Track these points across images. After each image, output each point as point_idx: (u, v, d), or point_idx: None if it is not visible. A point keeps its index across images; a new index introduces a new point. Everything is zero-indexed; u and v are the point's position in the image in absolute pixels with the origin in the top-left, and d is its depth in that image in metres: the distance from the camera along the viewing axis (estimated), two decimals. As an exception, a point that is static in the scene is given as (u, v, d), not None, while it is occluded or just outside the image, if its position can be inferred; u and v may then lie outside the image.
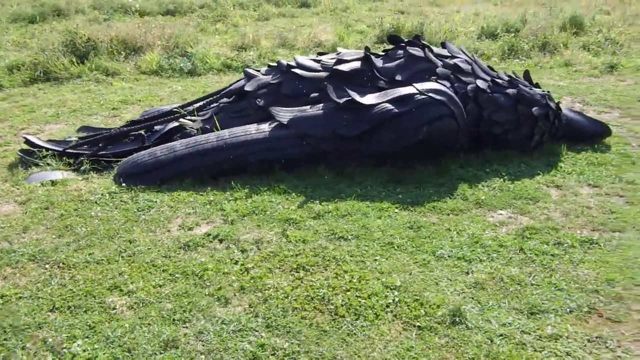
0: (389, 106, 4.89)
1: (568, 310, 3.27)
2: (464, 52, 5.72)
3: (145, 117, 5.89)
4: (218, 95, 5.66)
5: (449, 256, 3.81)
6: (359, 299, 3.35)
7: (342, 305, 3.29)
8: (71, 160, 5.30)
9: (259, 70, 5.70)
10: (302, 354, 2.94)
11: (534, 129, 5.43)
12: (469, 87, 5.24)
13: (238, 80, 5.87)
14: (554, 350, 2.97)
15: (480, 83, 5.28)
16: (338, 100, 4.97)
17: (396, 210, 4.44)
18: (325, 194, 4.67)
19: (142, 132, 5.55)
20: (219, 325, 3.15)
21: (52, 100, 7.57)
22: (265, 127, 5.02)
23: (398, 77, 5.26)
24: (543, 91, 5.65)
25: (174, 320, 3.20)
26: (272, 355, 2.93)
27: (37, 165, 5.28)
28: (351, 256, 3.81)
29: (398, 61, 5.41)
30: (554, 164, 5.29)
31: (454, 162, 5.22)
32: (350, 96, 4.96)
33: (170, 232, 4.16)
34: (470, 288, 3.47)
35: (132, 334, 3.08)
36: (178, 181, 4.88)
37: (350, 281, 3.52)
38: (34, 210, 4.50)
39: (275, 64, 5.65)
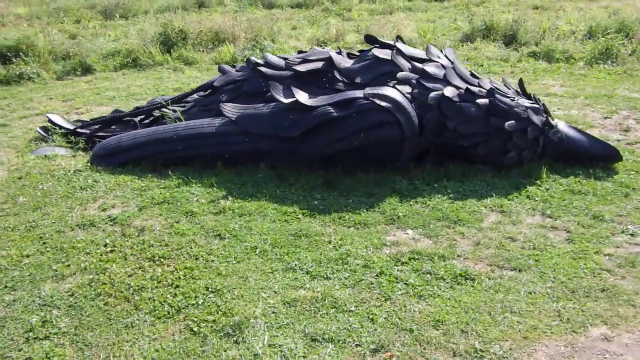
0: (330, 109, 4.76)
1: (354, 343, 3.02)
2: (445, 56, 5.29)
3: (149, 105, 6.38)
4: (197, 89, 5.92)
5: (298, 269, 3.68)
6: (166, 295, 3.42)
7: (146, 299, 3.40)
8: (75, 139, 5.95)
9: (234, 66, 5.84)
10: (72, 335, 3.12)
11: (507, 144, 4.87)
12: (432, 94, 4.85)
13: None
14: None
15: (448, 91, 4.86)
16: (283, 100, 4.95)
17: (298, 216, 4.35)
18: (246, 192, 4.71)
19: (135, 119, 6.03)
20: (35, 298, 3.45)
21: (122, 85, 8.46)
22: (217, 122, 5.17)
23: (358, 80, 5.07)
24: (534, 103, 5.02)
25: (6, 287, 3.58)
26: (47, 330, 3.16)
27: (45, 141, 6.04)
28: (208, 254, 3.86)
29: (363, 63, 5.19)
30: (522, 187, 4.71)
31: (402, 172, 4.91)
32: (295, 97, 4.92)
33: (85, 210, 4.55)
34: (279, 305, 3.34)
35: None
36: (136, 165, 5.24)
37: (178, 277, 3.60)
38: (9, 178, 5.20)
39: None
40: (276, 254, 3.85)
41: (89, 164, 5.35)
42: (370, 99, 4.69)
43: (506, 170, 4.93)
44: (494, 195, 4.58)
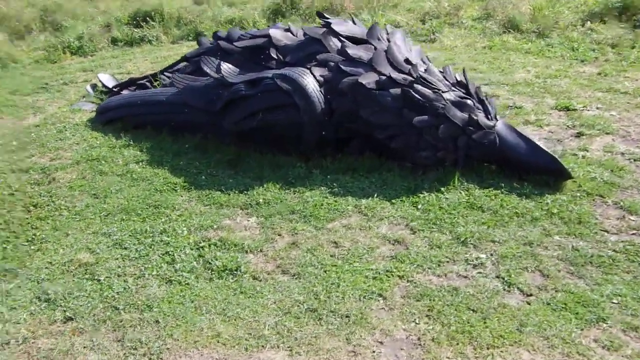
0: (241, 87, 4.74)
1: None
2: (388, 39, 4.78)
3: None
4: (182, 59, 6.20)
5: (118, 234, 3.88)
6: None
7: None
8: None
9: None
10: None
11: (419, 141, 4.33)
12: (346, 79, 4.50)
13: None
14: None
15: (364, 77, 4.46)
16: (214, 75, 5.04)
17: (175, 188, 4.48)
18: (160, 160, 4.92)
19: (147, 82, 6.58)
20: None
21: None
22: (171, 91, 5.47)
23: (288, 59, 4.91)
24: (467, 98, 4.34)
25: None
26: None
27: (89, 97, 6.94)
28: (73, 207, 4.26)
29: (299, 42, 4.98)
30: (418, 191, 4.18)
31: (310, 159, 4.67)
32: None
33: (40, 158, 5.24)
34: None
35: None
36: (125, 126, 5.76)
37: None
38: (33, 122, 6.14)
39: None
40: (116, 218, 4.07)
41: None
42: (275, 79, 4.54)
43: (424, 170, 4.39)
44: (379, 196, 4.15)
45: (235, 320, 3.00)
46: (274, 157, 4.75)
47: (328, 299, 3.12)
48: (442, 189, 4.16)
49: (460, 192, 4.11)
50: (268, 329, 2.91)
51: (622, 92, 5.77)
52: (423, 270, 3.34)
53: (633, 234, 3.55)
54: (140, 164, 4.88)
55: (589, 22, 8.38)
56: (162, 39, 9.95)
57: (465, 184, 4.18)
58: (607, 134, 4.88)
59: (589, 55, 7.14)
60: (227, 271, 3.42)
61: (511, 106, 5.60)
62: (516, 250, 3.44)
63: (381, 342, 2.81)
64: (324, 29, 4.86)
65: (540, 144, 4.19)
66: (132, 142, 5.29)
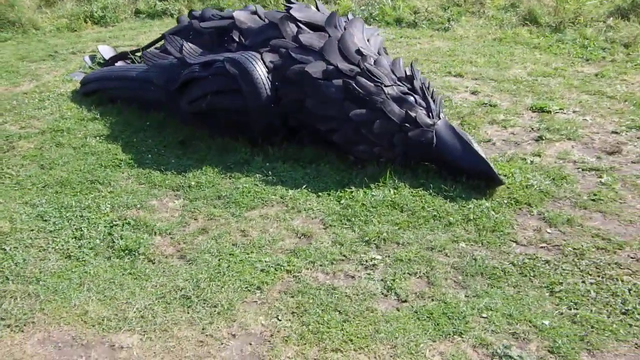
0: (196, 68, 4.77)
1: None
2: (343, 27, 4.68)
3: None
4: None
5: (46, 205, 4.02)
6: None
7: None
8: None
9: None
10: None
11: (356, 135, 4.26)
12: (294, 67, 4.45)
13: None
14: None
15: (311, 66, 4.40)
16: (177, 55, 5.09)
17: (119, 165, 4.57)
18: (120, 135, 5.04)
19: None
20: None
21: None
22: (142, 68, 5.56)
23: (247, 42, 4.90)
24: (410, 92, 4.22)
25: None
26: None
27: (86, 67, 7.15)
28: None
29: (261, 26, 4.95)
30: (346, 185, 4.13)
31: (261, 146, 4.66)
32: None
33: (3, 125, 5.43)
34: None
35: None
36: (94, 96, 5.95)
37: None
38: (24, 90, 6.38)
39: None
40: (51, 190, 4.21)
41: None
42: (225, 63, 4.54)
43: (363, 164, 4.32)
44: (308, 188, 4.13)
45: (109, 300, 3.07)
46: (222, 140, 4.77)
47: (207, 288, 3.14)
48: (372, 185, 4.08)
49: (389, 190, 4.02)
50: (134, 312, 2.97)
51: (608, 96, 5.47)
52: (314, 267, 3.31)
53: (541, 247, 3.40)
54: (98, 138, 5.00)
55: (611, 18, 7.93)
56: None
57: (397, 181, 4.09)
58: (570, 139, 4.65)
59: (597, 55, 6.79)
60: (126, 251, 3.49)
61: (485, 104, 5.40)
62: (414, 255, 3.35)
63: (234, 335, 2.81)
64: (282, 14, 4.80)
65: (476, 147, 4.03)
66: (99, 116, 5.43)
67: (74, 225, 3.77)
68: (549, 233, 3.51)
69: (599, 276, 3.13)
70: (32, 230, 3.73)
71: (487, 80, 6.02)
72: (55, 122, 5.38)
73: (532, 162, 4.32)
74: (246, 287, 3.14)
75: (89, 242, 3.58)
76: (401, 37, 8.01)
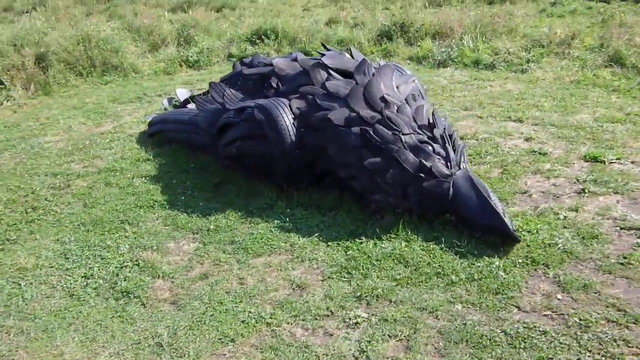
0: (231, 114, 4.92)
1: None
2: (373, 73, 4.61)
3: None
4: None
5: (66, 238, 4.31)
6: None
7: None
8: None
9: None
10: None
11: (372, 184, 4.16)
12: (318, 114, 4.46)
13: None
14: None
15: (334, 113, 4.38)
16: (220, 100, 5.28)
17: (143, 204, 4.76)
18: (157, 175, 5.28)
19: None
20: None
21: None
22: (195, 112, 5.81)
23: (283, 89, 4.98)
24: (432, 141, 4.07)
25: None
26: None
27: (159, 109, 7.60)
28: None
29: (297, 72, 5.01)
30: (354, 235, 4.02)
31: (287, 192, 4.68)
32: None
33: (70, 163, 5.87)
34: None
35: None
36: (156, 138, 6.30)
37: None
38: (103, 130, 6.87)
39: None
40: (84, 229, 4.49)
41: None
42: (254, 109, 4.65)
43: (382, 214, 4.21)
44: (320, 236, 4.07)
45: (89, 342, 3.17)
46: (251, 185, 4.83)
47: (183, 337, 3.15)
48: (384, 236, 3.93)
49: (400, 242, 3.85)
50: (104, 357, 3.04)
51: (679, 147, 4.90)
52: (295, 321, 3.22)
53: (544, 314, 3.06)
54: (143, 178, 5.26)
55: None
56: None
57: (409, 233, 3.90)
58: (617, 193, 4.20)
59: (683, 99, 6.13)
60: (124, 293, 3.60)
61: (535, 152, 5.04)
62: (402, 315, 3.16)
63: (188, 389, 2.79)
64: (314, 61, 4.83)
65: (494, 200, 3.75)
66: (152, 157, 5.71)
67: (89, 264, 3.96)
68: (558, 299, 3.16)
69: (599, 354, 2.76)
70: (52, 267, 3.96)
71: (547, 125, 5.63)
72: (114, 162, 5.72)
73: (565, 217, 3.94)
74: (220, 339, 3.11)
75: (95, 282, 3.74)
76: (475, 79, 7.72)
